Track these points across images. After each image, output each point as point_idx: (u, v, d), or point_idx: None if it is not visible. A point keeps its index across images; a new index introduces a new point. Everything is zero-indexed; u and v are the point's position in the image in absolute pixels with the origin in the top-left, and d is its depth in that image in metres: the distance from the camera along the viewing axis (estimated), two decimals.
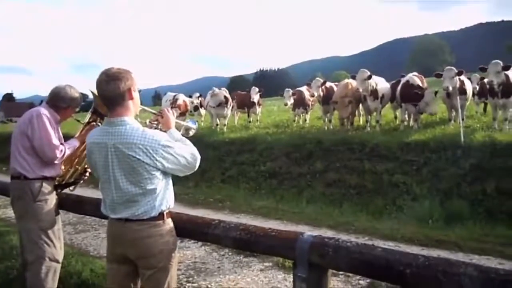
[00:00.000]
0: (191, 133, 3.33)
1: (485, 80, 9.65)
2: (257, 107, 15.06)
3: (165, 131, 2.74)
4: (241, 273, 5.07)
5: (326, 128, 12.33)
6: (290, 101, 13.80)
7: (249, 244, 2.38)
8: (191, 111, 16.54)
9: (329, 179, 8.88)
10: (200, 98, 15.54)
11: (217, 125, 14.17)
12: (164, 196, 2.56)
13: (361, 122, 12.32)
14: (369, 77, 10.38)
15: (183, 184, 10.75)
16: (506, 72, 8.93)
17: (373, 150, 8.94)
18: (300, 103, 13.86)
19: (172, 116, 2.87)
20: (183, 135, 3.03)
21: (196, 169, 2.68)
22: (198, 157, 2.65)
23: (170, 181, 2.65)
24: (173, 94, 16.08)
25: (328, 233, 6.39)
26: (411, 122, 10.21)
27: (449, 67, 10.02)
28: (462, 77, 10.62)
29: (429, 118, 12.31)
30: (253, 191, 9.50)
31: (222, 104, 13.76)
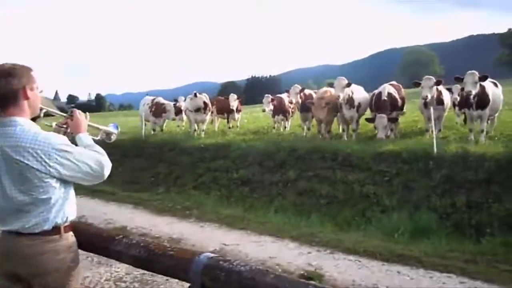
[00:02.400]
0: (113, 138, 3.09)
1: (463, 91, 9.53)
2: (235, 113, 14.83)
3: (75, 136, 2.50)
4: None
5: (304, 135, 12.15)
6: (269, 108, 13.61)
7: (147, 263, 2.13)
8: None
9: (300, 188, 8.64)
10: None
11: (195, 130, 13.91)
12: (61, 208, 2.29)
13: (340, 131, 12.13)
14: (348, 85, 10.23)
15: (153, 190, 10.52)
16: (482, 83, 8.81)
17: (345, 159, 8.73)
18: (280, 109, 13.66)
19: (84, 119, 2.61)
20: (103, 140, 2.78)
21: (105, 178, 2.43)
22: (107, 165, 2.40)
23: (72, 191, 2.38)
24: (152, 97, 15.82)
25: (290, 245, 6.18)
26: (386, 132, 9.99)
27: (427, 76, 9.89)
28: (440, 87, 10.51)
29: (409, 128, 12.19)
30: (224, 199, 9.23)
31: (201, 109, 13.50)
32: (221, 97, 15.87)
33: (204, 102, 13.50)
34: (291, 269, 5.19)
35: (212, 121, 16.44)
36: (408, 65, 68.80)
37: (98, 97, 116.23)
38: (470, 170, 7.26)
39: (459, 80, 8.89)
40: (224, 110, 15.16)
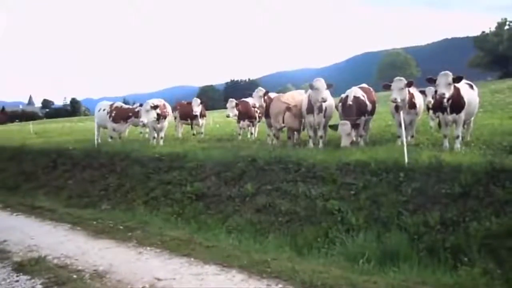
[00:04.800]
0: None
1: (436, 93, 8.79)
2: (199, 119, 13.84)
3: None
4: None
5: (270, 143, 11.24)
6: (234, 113, 12.72)
7: None
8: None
9: (259, 204, 7.70)
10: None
11: (154, 138, 12.84)
12: None
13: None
14: (329, 87, 9.37)
15: (98, 206, 9.47)
16: (456, 85, 8.06)
17: (309, 170, 7.83)
18: (245, 115, 12.79)
19: None
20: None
21: None
22: None
23: None
24: (110, 102, 14.68)
25: (236, 277, 5.21)
26: (352, 139, 9.15)
27: (398, 77, 9.11)
28: (413, 90, 9.76)
29: (381, 134, 11.44)
30: (175, 216, 8.22)
31: (154, 120, 12.24)
32: (184, 102, 14.81)
33: (158, 114, 12.22)
34: None
35: (175, 127, 15.45)
36: (385, 68, 68.74)
37: (73, 101, 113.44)
38: (444, 182, 6.43)
39: (432, 81, 8.13)
40: (187, 116, 14.19)
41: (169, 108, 13.22)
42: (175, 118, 14.92)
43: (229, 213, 7.87)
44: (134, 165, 10.58)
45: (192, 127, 14.49)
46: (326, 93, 9.33)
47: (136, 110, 13.60)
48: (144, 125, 12.92)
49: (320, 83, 9.29)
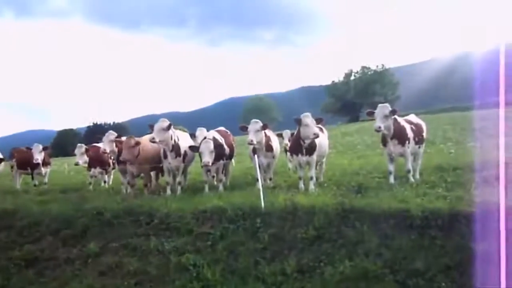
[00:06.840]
0: None
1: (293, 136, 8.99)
2: (42, 167, 12.07)
3: None
4: None
5: (125, 191, 10.18)
6: (83, 160, 11.42)
7: None
8: None
9: (104, 265, 6.65)
10: None
11: None
12: None
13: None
14: (168, 127, 8.75)
15: None
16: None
17: (162, 221, 7.11)
18: (97, 161, 11.53)
19: None
20: None
21: None
22: None
23: None
24: None
25: None
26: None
27: (254, 120, 9.09)
28: (270, 133, 9.85)
29: (241, 177, 11.27)
30: None
31: None
32: (23, 148, 12.81)
33: None
34: None
35: (12, 178, 13.26)
36: (249, 112, 71.89)
37: None
38: (300, 226, 6.31)
39: (298, 121, 8.30)
40: (27, 164, 12.28)
41: None
42: (12, 167, 12.84)
43: (66, 280, 6.62)
44: None
45: (33, 177, 12.55)
46: (170, 135, 8.84)
47: None
48: None
49: (158, 124, 8.76)
